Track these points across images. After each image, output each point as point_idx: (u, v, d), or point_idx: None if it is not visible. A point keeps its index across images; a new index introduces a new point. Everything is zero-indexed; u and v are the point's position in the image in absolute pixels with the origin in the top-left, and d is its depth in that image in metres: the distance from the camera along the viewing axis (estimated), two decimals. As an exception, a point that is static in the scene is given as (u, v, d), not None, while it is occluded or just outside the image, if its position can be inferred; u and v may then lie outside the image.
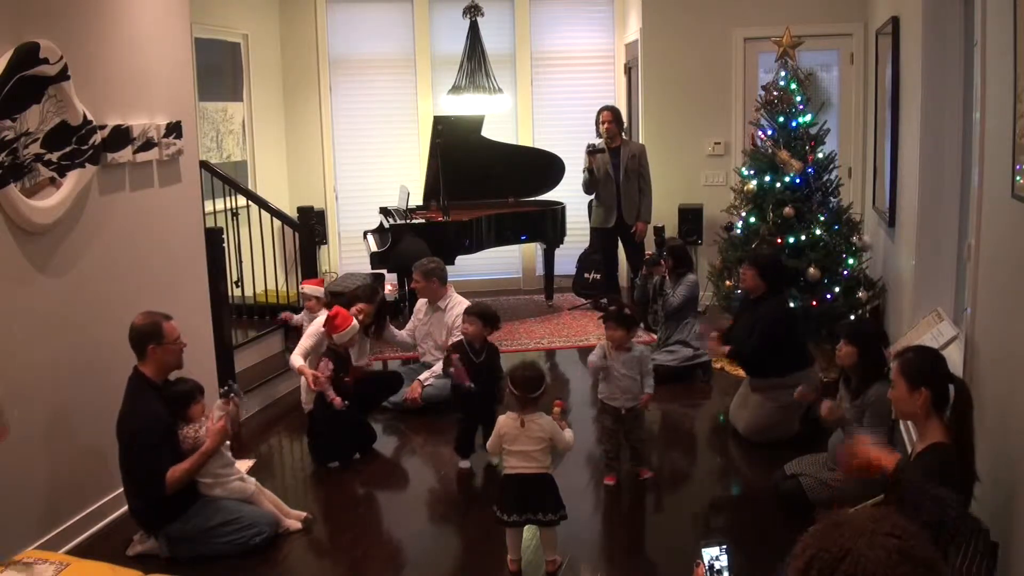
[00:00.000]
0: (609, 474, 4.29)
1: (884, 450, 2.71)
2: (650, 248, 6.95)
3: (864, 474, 2.70)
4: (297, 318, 5.77)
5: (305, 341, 4.94)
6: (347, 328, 4.65)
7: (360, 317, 4.89)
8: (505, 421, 3.50)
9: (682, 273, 5.82)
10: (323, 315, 4.94)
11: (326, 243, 8.32)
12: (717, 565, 2.02)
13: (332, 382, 4.59)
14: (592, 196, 7.07)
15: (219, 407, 3.78)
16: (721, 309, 6.46)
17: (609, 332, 4.22)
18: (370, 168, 8.50)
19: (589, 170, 6.77)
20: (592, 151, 6.77)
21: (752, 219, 5.97)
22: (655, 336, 6.15)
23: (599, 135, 6.87)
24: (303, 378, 5.07)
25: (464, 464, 4.57)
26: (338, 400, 4.54)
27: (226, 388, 3.91)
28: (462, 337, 4.64)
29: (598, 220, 7.04)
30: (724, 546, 2.05)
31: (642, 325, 6.68)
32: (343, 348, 4.70)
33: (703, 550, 2.05)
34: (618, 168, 6.80)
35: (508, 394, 3.57)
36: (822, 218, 5.77)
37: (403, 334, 5.71)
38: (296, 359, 4.83)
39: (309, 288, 5.61)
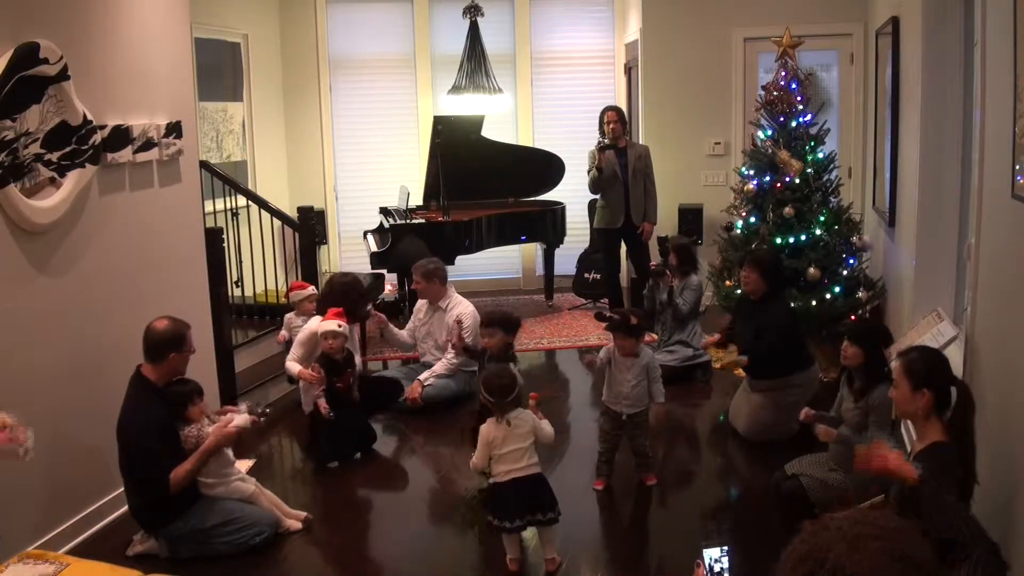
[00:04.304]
0: (598, 478, 4.26)
1: (905, 461, 2.62)
2: (655, 258, 6.87)
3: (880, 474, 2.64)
4: (284, 334, 5.61)
5: (296, 349, 5.03)
6: (326, 320, 4.72)
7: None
8: (489, 428, 3.46)
9: (686, 272, 5.81)
10: (314, 320, 4.98)
11: (326, 243, 8.32)
12: (717, 567, 2.02)
13: (325, 390, 4.64)
14: (597, 196, 6.99)
15: (243, 419, 3.79)
16: (721, 309, 6.45)
17: (618, 342, 4.17)
18: (370, 168, 8.50)
19: (599, 168, 6.65)
20: (603, 148, 6.69)
21: (752, 219, 5.97)
22: (655, 336, 6.14)
23: (603, 135, 6.82)
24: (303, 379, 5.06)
25: None
26: (324, 408, 4.59)
27: (261, 410, 3.96)
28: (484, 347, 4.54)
29: (604, 221, 6.88)
30: (725, 548, 2.04)
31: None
32: (335, 354, 4.71)
33: (704, 551, 2.05)
34: (626, 169, 6.72)
35: (483, 404, 3.56)
36: (822, 218, 5.77)
37: (403, 334, 5.71)
38: (292, 365, 4.97)
39: (301, 294, 5.57)
